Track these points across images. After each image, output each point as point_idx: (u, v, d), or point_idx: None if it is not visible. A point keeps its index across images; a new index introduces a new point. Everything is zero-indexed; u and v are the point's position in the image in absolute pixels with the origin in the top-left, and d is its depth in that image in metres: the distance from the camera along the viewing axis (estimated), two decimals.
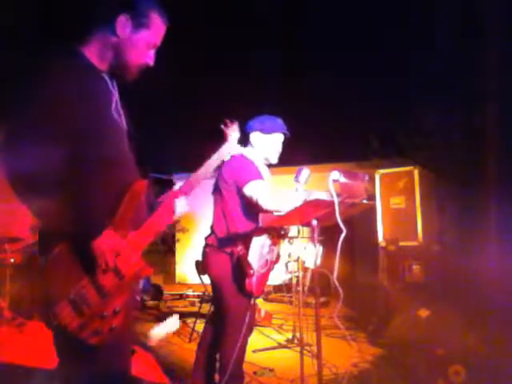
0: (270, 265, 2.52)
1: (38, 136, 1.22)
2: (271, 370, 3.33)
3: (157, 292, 6.49)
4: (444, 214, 5.44)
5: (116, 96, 1.46)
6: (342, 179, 2.02)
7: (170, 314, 5.73)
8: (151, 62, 1.49)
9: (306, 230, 4.13)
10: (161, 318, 5.46)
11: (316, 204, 2.02)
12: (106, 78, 1.45)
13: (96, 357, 1.30)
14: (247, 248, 2.38)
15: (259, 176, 2.48)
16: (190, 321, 5.03)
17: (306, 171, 2.43)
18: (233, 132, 1.70)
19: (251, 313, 2.54)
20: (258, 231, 2.45)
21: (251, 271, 2.36)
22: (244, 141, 2.67)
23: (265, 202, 2.34)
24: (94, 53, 1.41)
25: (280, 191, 2.52)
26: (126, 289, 1.34)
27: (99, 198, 1.32)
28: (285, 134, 2.67)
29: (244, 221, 2.51)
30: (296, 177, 2.44)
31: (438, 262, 4.68)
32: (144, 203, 1.43)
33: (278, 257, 2.65)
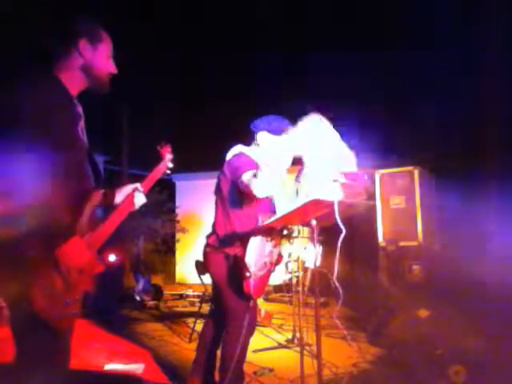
0: (269, 267, 2.49)
1: (10, 141, 1.39)
2: (271, 370, 3.32)
3: (157, 292, 6.49)
4: (444, 214, 5.44)
5: (83, 119, 1.71)
6: (342, 179, 2.02)
7: (170, 314, 5.74)
8: (115, 70, 1.76)
9: (306, 230, 4.12)
10: (161, 317, 5.47)
11: (316, 204, 2.02)
12: (76, 102, 1.68)
13: (57, 343, 1.52)
14: (245, 249, 2.36)
15: (255, 167, 2.43)
16: (190, 321, 5.03)
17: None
18: (167, 153, 1.95)
19: (252, 313, 2.54)
20: (257, 232, 2.42)
21: (248, 274, 2.33)
22: (249, 139, 2.67)
23: (258, 190, 2.25)
24: (66, 78, 1.65)
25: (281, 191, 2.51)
26: (83, 281, 1.58)
27: (64, 203, 1.52)
28: None
29: (244, 221, 2.50)
30: (297, 177, 2.44)
31: (438, 262, 4.68)
32: (95, 210, 1.71)
33: (280, 257, 2.63)
